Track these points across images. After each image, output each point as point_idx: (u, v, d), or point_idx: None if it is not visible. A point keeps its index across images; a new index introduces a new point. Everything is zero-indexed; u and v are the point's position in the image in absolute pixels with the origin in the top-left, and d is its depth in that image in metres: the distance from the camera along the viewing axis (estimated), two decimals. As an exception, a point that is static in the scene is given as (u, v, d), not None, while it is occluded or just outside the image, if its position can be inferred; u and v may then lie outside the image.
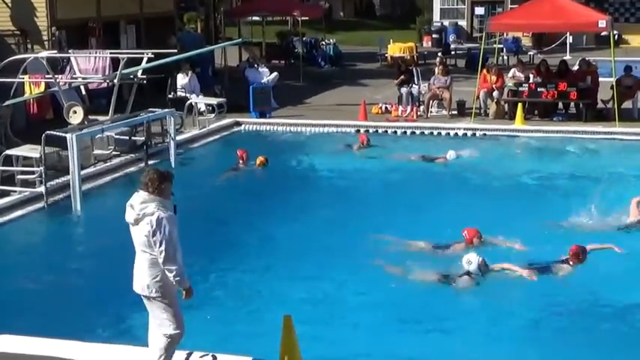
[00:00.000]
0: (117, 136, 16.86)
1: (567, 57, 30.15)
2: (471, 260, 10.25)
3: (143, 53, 17.64)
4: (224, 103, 21.16)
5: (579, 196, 13.65)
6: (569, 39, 36.14)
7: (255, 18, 36.69)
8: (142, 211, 7.09)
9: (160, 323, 7.29)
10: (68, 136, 13.71)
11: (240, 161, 16.68)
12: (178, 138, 17.67)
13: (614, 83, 20.48)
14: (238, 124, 20.87)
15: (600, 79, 21.65)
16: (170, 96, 21.75)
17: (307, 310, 9.31)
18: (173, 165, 16.50)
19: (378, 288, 10.07)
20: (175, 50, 21.23)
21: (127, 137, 17.16)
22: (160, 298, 7.18)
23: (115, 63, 18.08)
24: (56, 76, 17.36)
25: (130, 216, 7.18)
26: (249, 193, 15.13)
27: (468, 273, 10.22)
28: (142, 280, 7.20)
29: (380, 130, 20.06)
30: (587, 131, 19.21)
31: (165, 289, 7.17)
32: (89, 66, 18.54)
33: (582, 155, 17.81)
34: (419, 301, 9.68)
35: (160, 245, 7.01)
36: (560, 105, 21.33)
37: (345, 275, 10.53)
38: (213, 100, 21.32)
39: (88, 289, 10.46)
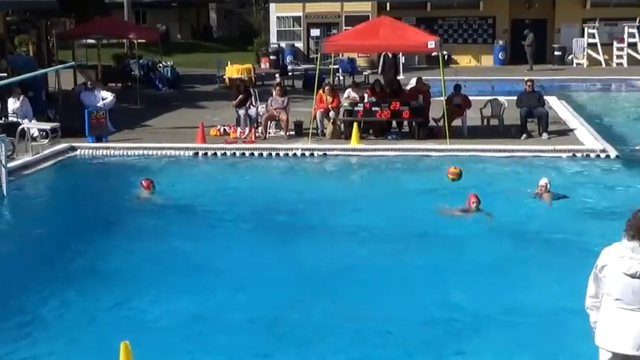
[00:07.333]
0: (-56, 164, 16.17)
1: (400, 77, 31.05)
2: None
3: (-30, 78, 17.08)
4: (58, 127, 20.69)
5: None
6: (402, 59, 37.21)
7: (90, 40, 36.05)
8: None
9: None
10: None
11: (146, 191, 15.89)
12: (10, 165, 17.07)
13: (444, 102, 21.22)
14: (73, 149, 20.39)
15: (431, 97, 22.42)
16: (1, 121, 21.08)
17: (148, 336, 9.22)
18: (5, 193, 16.00)
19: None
20: (5, 74, 20.60)
21: (-45, 165, 16.49)
22: None
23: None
24: None
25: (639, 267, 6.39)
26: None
27: None
28: None
29: (219, 153, 20.06)
30: (421, 149, 19.86)
31: None
32: None
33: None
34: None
35: None
36: (394, 124, 21.93)
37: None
38: (47, 125, 20.82)
39: None
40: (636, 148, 19.56)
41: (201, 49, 51.82)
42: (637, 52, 41.39)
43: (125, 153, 20.26)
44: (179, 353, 8.99)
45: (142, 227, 14.19)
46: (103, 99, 22.95)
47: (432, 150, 19.74)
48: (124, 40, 38.84)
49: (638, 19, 41.41)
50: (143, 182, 15.90)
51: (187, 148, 20.30)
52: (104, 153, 20.36)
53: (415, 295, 10.60)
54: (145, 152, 20.24)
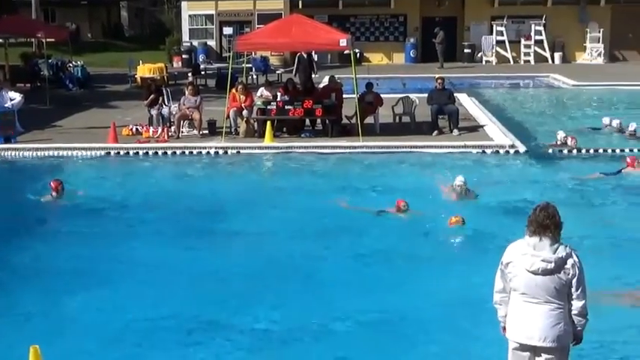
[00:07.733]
0: None
1: (314, 75, 31.15)
2: None
3: None
4: (-36, 129, 20.23)
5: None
6: (315, 57, 37.30)
7: (-3, 40, 35.29)
8: (557, 255, 6.44)
9: None
10: None
11: (54, 193, 15.43)
12: None
13: (356, 99, 21.38)
14: (-20, 150, 19.98)
15: (344, 95, 22.57)
16: None
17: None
18: None
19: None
20: None
21: None
22: (564, 350, 6.68)
23: None
24: None
25: (541, 264, 6.46)
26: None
27: None
28: (551, 331, 6.54)
29: (131, 152, 19.84)
30: (334, 146, 19.96)
31: (570, 339, 6.68)
32: None
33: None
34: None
35: (583, 292, 6.50)
36: (308, 122, 22.00)
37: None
38: (-48, 127, 20.33)
39: None
40: (549, 144, 20.02)
41: (112, 48, 51.19)
42: (544, 49, 42.39)
43: (35, 154, 19.88)
44: (90, 356, 8.89)
45: (51, 230, 13.98)
46: (11, 100, 22.41)
47: (344, 147, 19.87)
48: (32, 39, 38.11)
49: (544, 17, 42.39)
50: (52, 183, 15.57)
51: (99, 148, 20.02)
52: (13, 154, 19.96)
53: (328, 293, 10.67)
54: (55, 153, 19.90)
